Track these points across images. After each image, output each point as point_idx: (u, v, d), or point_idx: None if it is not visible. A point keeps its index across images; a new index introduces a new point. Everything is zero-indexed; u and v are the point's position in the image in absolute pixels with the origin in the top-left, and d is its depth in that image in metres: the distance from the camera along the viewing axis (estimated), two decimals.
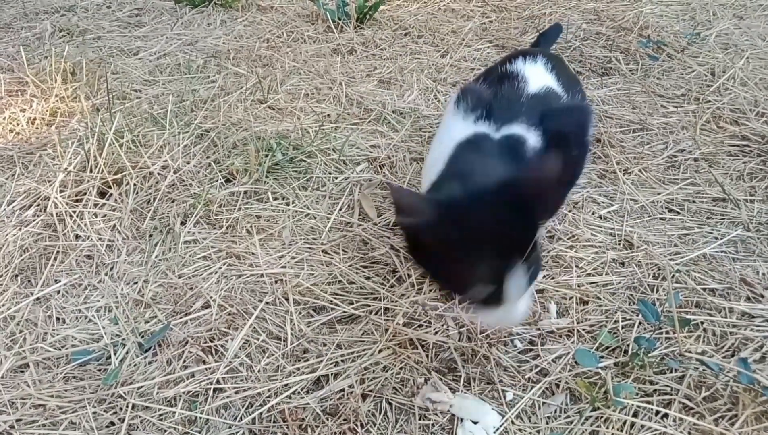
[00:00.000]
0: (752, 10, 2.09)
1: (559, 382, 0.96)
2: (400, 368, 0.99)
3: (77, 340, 1.05)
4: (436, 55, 1.88)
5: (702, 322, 1.03)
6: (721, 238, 1.20)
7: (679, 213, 1.28)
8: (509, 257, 0.80)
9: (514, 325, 1.02)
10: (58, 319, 1.09)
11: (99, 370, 1.00)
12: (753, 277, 1.12)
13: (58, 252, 1.21)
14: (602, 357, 0.99)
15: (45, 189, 1.31)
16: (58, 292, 1.14)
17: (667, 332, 1.02)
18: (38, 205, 1.30)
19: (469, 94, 1.04)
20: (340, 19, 2.04)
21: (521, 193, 0.81)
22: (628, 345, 1.00)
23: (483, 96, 1.04)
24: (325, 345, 1.03)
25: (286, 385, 0.97)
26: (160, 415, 0.93)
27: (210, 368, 0.99)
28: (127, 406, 0.94)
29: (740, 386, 0.92)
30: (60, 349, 1.04)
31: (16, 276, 1.17)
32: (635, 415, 0.90)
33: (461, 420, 0.91)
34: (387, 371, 0.99)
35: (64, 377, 0.99)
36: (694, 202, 1.30)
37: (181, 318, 1.08)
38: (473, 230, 0.80)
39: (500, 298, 0.83)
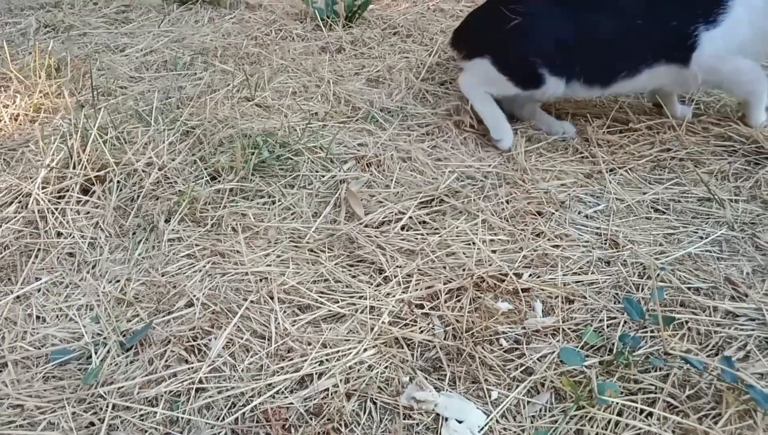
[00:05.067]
0: None
1: (544, 380, 0.96)
2: (386, 367, 0.99)
3: (57, 339, 1.04)
4: (424, 54, 1.87)
5: (686, 321, 1.04)
6: (706, 238, 1.21)
7: (664, 212, 1.28)
8: None
9: None
10: (38, 317, 1.08)
11: (79, 370, 0.99)
12: (737, 277, 1.12)
13: (39, 249, 1.19)
14: (587, 356, 0.99)
15: (27, 185, 1.29)
16: (39, 291, 1.12)
17: (651, 331, 1.02)
18: (20, 201, 1.28)
19: None
20: (328, 18, 2.04)
21: None
22: (613, 343, 1.00)
23: None
24: (309, 344, 1.02)
25: (269, 384, 0.96)
26: (141, 415, 0.92)
27: (192, 368, 0.98)
28: (107, 406, 0.92)
29: (724, 385, 0.92)
30: (39, 348, 1.02)
31: None
32: (620, 413, 0.90)
33: (446, 419, 0.91)
34: (372, 370, 0.98)
35: (44, 377, 0.98)
36: (679, 201, 1.31)
37: (163, 317, 1.06)
38: None
39: None
